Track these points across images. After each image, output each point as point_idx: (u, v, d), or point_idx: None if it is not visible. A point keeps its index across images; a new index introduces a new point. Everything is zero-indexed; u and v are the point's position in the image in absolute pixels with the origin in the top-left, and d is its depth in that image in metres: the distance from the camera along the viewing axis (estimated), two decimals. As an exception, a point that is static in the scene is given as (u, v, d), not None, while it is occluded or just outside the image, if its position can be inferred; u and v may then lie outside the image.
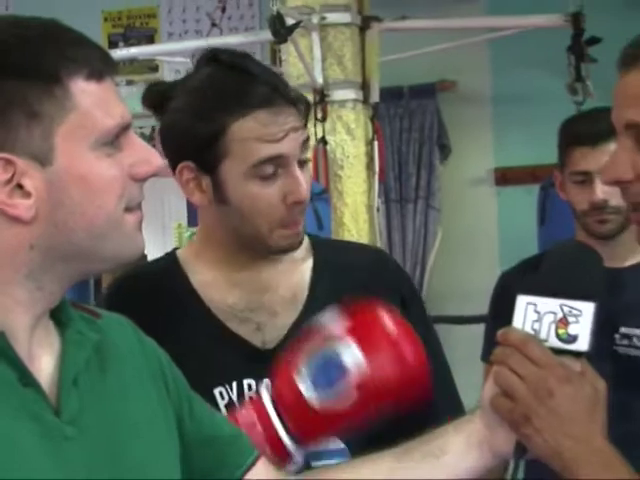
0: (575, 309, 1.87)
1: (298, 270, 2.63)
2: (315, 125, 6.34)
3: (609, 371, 3.07)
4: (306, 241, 2.67)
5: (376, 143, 6.73)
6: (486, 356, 1.98)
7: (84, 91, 1.62)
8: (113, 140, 1.67)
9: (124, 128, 1.69)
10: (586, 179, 3.40)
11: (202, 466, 1.97)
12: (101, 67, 1.66)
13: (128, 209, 1.71)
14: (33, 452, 1.60)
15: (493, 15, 7.97)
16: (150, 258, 2.98)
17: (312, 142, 6.00)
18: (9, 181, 1.58)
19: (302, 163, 2.49)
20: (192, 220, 12.32)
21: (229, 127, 2.43)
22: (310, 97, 6.18)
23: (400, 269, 2.87)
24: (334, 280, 2.60)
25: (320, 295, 2.57)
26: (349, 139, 6.55)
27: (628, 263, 3.50)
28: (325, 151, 6.46)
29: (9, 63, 1.58)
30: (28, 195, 1.60)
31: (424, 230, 8.54)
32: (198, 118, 2.47)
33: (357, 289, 2.53)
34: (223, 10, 8.75)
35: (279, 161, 2.43)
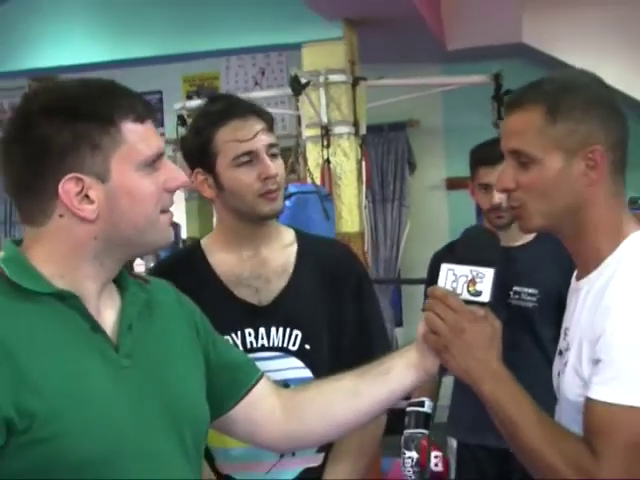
0: (481, 272, 1.96)
1: (287, 251, 2.62)
2: (322, 150, 6.80)
3: (505, 317, 3.10)
4: (292, 233, 2.69)
5: (364, 162, 7.12)
6: (423, 307, 1.95)
7: (131, 130, 1.69)
8: (151, 164, 1.72)
9: (159, 155, 1.74)
10: (487, 188, 3.61)
11: (221, 383, 2.00)
12: (143, 113, 1.73)
13: (163, 211, 1.77)
14: (100, 376, 1.67)
15: (445, 75, 8.24)
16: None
17: (320, 162, 6.62)
18: (79, 192, 1.66)
19: (273, 156, 2.51)
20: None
21: (214, 135, 2.49)
22: (318, 132, 6.78)
23: (358, 260, 2.80)
24: (313, 262, 2.61)
25: (302, 271, 2.60)
26: (345, 160, 6.97)
27: (518, 243, 3.68)
28: (329, 168, 6.83)
29: (80, 111, 1.65)
30: (92, 203, 1.67)
31: (398, 221, 8.87)
32: (194, 135, 2.56)
33: (328, 273, 2.61)
34: (263, 74, 9.15)
35: (251, 154, 2.48)
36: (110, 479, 1.64)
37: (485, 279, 1.96)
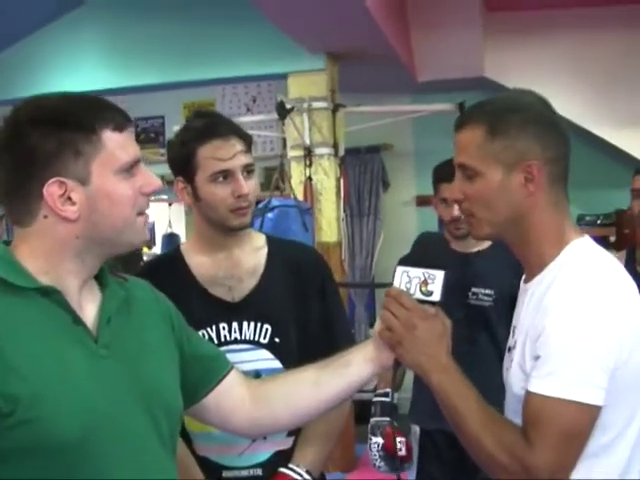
0: (432, 274, 1.96)
1: (257, 254, 2.59)
2: (305, 169, 6.87)
3: (464, 315, 3.46)
4: (263, 237, 2.67)
5: (342, 180, 7.19)
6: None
7: (110, 138, 1.67)
8: (129, 169, 1.71)
9: (136, 162, 1.72)
10: (447, 202, 3.62)
11: (194, 374, 1.97)
12: (122, 123, 1.71)
13: (139, 214, 1.75)
14: (80, 364, 1.65)
15: (415, 104, 8.22)
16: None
17: (302, 179, 6.68)
18: (62, 195, 1.65)
19: (249, 172, 2.49)
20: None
21: (197, 150, 2.45)
22: (301, 152, 6.86)
23: (323, 262, 2.76)
24: (281, 263, 2.59)
25: (272, 271, 2.57)
26: (325, 178, 7.03)
27: (475, 249, 3.66)
28: (311, 185, 6.90)
29: (65, 121, 1.64)
30: (74, 204, 1.66)
31: (373, 233, 8.78)
32: (178, 146, 2.51)
33: (295, 273, 2.58)
34: (254, 101, 8.96)
35: (227, 172, 2.44)
36: (89, 459, 1.62)
37: (436, 280, 1.95)
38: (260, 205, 6.10)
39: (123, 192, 1.70)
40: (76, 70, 7.72)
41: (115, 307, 1.78)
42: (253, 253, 2.60)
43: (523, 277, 2.06)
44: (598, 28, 7.45)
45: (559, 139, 1.94)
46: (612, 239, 7.58)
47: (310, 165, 6.92)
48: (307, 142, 6.93)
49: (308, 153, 6.92)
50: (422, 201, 8.55)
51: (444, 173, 3.55)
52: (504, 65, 7.62)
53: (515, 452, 1.77)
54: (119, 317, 1.78)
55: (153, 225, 11.14)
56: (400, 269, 1.99)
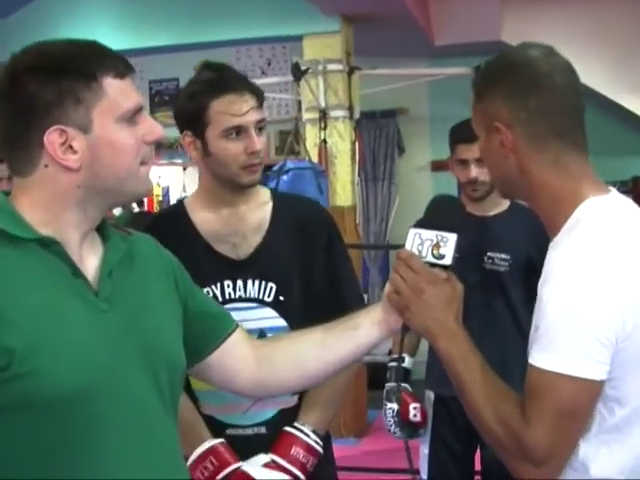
0: (445, 237, 1.90)
1: (262, 210, 2.56)
2: (320, 132, 6.91)
3: (479, 280, 3.44)
4: (268, 192, 2.64)
5: (357, 144, 7.23)
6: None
7: (111, 85, 1.64)
8: (131, 117, 1.68)
9: (138, 110, 1.70)
10: (465, 164, 3.52)
11: (198, 331, 1.95)
12: (123, 70, 1.68)
13: (142, 163, 1.71)
14: (79, 318, 1.62)
15: (431, 67, 8.20)
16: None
17: (317, 142, 6.75)
18: (63, 143, 1.62)
19: (260, 130, 2.46)
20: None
21: (209, 104, 2.40)
22: (317, 115, 6.91)
23: (330, 217, 2.72)
24: (286, 219, 2.55)
25: (277, 227, 2.54)
26: (340, 141, 7.04)
27: (492, 213, 3.59)
28: (326, 148, 6.90)
29: (65, 68, 1.61)
30: (75, 153, 1.62)
31: (388, 198, 8.84)
32: (188, 99, 2.46)
33: (300, 228, 2.55)
34: (269, 64, 8.98)
35: (240, 128, 2.41)
36: (87, 415, 1.57)
37: (449, 243, 1.89)
38: (275, 167, 6.18)
39: (125, 141, 1.67)
40: (89, 32, 7.43)
41: (117, 260, 1.74)
42: (258, 209, 2.56)
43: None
44: (617, -7, 7.36)
45: (541, 95, 1.84)
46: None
47: (325, 128, 6.92)
48: (322, 105, 6.92)
49: (323, 116, 6.91)
50: (437, 166, 8.54)
51: (461, 134, 3.50)
52: (521, 29, 7.51)
53: (512, 427, 1.72)
54: (121, 270, 1.74)
55: (167, 189, 11.14)
56: (413, 231, 1.92)
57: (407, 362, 3.59)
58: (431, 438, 3.66)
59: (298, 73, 6.60)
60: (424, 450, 3.69)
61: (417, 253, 1.90)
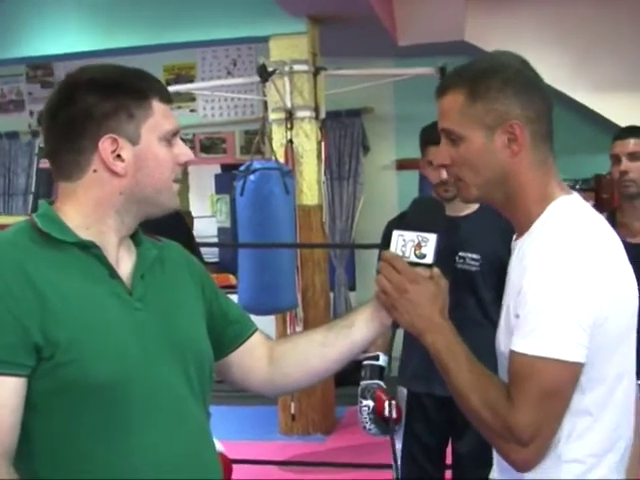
0: (425, 237, 1.97)
1: None
2: (286, 132, 6.93)
3: (451, 279, 3.12)
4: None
5: (323, 143, 7.22)
6: (377, 269, 1.97)
7: (158, 107, 1.83)
8: (169, 138, 1.86)
9: (175, 132, 1.88)
10: (435, 165, 3.50)
11: (222, 332, 2.09)
12: (167, 97, 1.87)
13: (175, 181, 1.89)
14: (115, 313, 1.78)
15: (396, 67, 8.20)
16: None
17: (283, 142, 6.76)
18: (114, 151, 1.79)
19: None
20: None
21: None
22: (283, 115, 6.92)
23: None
24: None
25: None
26: (306, 140, 7.06)
27: (463, 214, 3.61)
28: (292, 148, 6.94)
29: (122, 85, 1.80)
30: (123, 161, 1.80)
31: (353, 197, 8.83)
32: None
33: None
34: (234, 64, 8.89)
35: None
36: (121, 401, 1.72)
37: (429, 243, 1.97)
38: (242, 167, 6.18)
39: (165, 156, 1.84)
40: (56, 34, 7.69)
41: (148, 264, 1.90)
42: None
43: (514, 236, 2.05)
44: (579, -8, 7.41)
45: (539, 97, 1.94)
46: (591, 204, 7.57)
47: (291, 128, 6.96)
48: (288, 105, 6.94)
49: (289, 116, 6.95)
50: (402, 165, 8.62)
51: (432, 135, 3.24)
52: (485, 29, 7.67)
53: (498, 410, 1.78)
54: (152, 274, 1.90)
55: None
56: (396, 233, 1.99)
57: (382, 360, 3.61)
58: (404, 434, 3.70)
59: (264, 74, 6.59)
60: (397, 445, 3.69)
61: (401, 254, 1.98)
